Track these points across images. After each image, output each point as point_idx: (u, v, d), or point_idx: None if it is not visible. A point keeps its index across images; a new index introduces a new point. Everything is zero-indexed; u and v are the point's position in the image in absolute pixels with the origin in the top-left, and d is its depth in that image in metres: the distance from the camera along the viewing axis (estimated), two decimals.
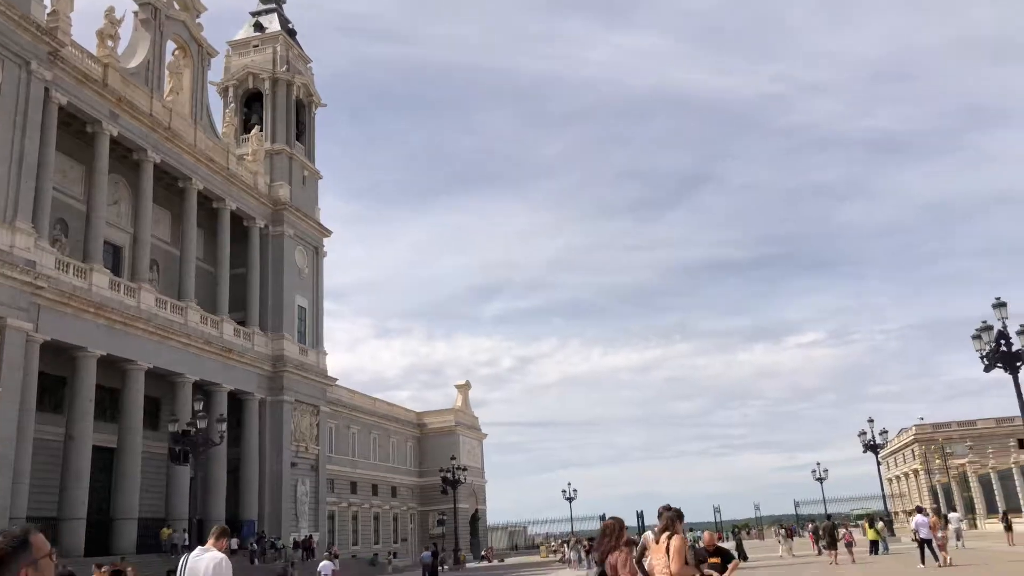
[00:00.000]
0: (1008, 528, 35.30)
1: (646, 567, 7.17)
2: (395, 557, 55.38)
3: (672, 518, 6.92)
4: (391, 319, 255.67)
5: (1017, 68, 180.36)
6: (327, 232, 60.67)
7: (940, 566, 22.91)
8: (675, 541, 6.66)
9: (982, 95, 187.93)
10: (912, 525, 25.98)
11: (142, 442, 39.57)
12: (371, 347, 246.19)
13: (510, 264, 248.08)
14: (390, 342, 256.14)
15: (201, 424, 31.76)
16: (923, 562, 23.30)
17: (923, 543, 23.90)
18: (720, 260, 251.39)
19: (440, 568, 37.04)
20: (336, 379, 59.27)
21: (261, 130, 56.48)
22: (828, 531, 29.69)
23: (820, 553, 31.73)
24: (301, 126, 59.96)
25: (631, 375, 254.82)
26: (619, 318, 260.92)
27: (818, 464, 64.29)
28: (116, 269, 42.56)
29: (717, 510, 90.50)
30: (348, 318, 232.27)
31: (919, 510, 27.65)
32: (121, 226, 44.10)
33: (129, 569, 17.96)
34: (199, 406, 32.99)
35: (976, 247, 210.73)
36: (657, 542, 6.87)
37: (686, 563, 6.66)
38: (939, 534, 23.86)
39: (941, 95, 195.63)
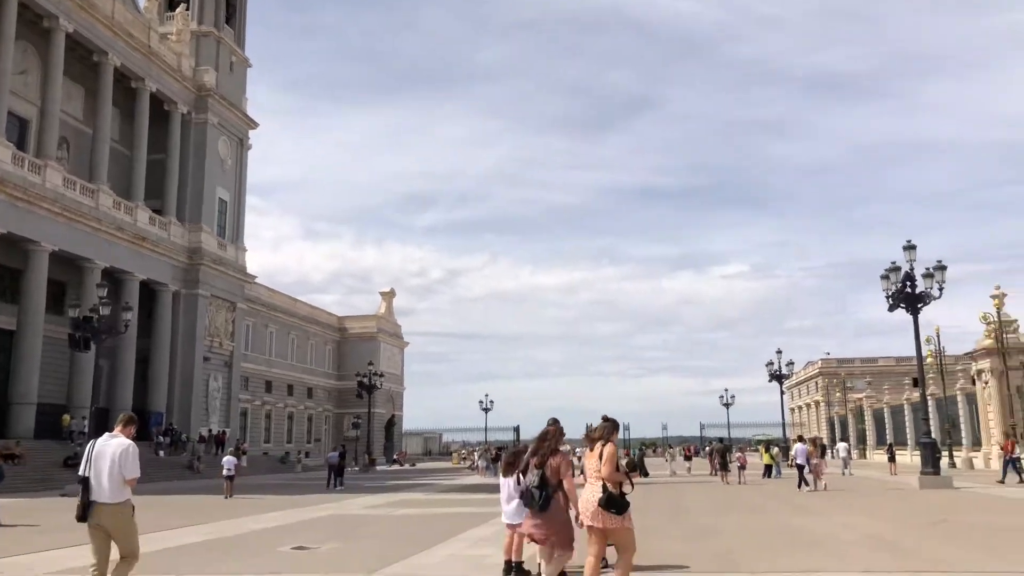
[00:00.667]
0: (892, 459, 37.35)
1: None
2: (307, 456, 55.63)
3: (609, 428, 7.32)
4: (319, 221, 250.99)
5: (965, 19, 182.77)
6: (253, 124, 58.36)
7: (810, 490, 24.39)
8: (608, 448, 7.06)
9: (924, 42, 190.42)
10: (793, 452, 27.47)
11: (45, 327, 38.16)
12: (297, 248, 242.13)
13: (446, 173, 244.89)
14: (317, 244, 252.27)
15: (105, 311, 30.66)
16: (801, 486, 25.02)
17: (799, 468, 25.73)
18: (653, 187, 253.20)
19: (350, 469, 37.30)
20: (255, 276, 58.05)
21: (188, 9, 53.28)
22: (721, 453, 30.94)
23: (714, 473, 33.06)
24: (231, 9, 56.82)
25: (558, 295, 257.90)
26: (550, 238, 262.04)
27: (726, 390, 66.63)
28: (21, 143, 40.20)
29: (627, 428, 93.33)
30: (274, 216, 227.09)
31: (800, 439, 29.67)
32: (28, 98, 41.42)
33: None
34: (103, 292, 31.75)
35: (899, 192, 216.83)
36: (592, 450, 7.21)
37: (616, 469, 7.02)
38: (813, 462, 25.65)
39: (887, 38, 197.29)
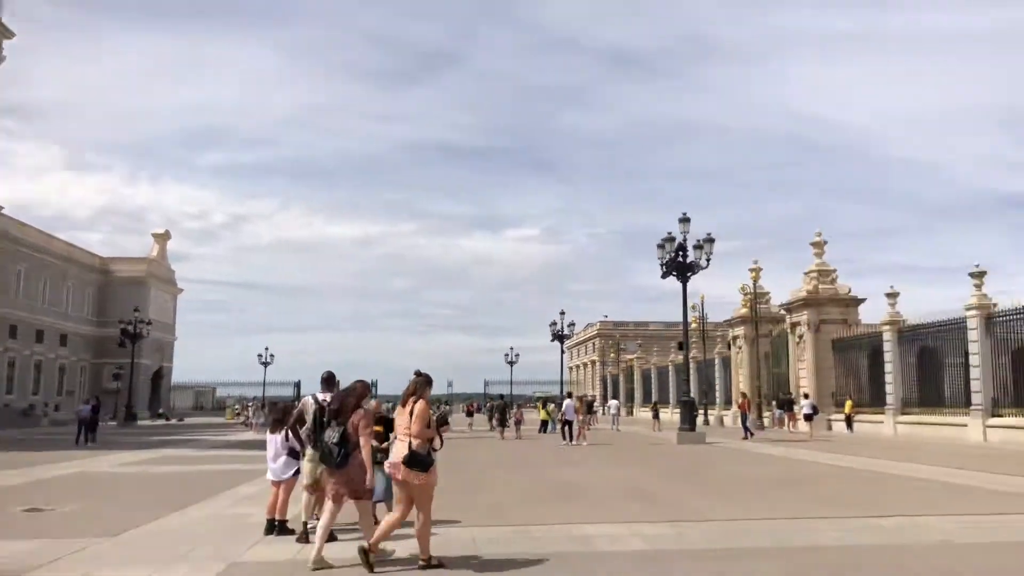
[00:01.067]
0: (655, 416, 40.22)
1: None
2: (56, 410, 50.67)
3: (421, 383, 7.15)
4: (88, 151, 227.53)
5: (755, 11, 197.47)
6: (8, 32, 51.21)
7: (573, 444, 26.19)
8: (419, 405, 6.97)
9: (713, 28, 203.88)
10: (563, 408, 29.07)
11: None
12: (60, 179, 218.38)
13: (236, 111, 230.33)
14: (84, 177, 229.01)
15: None
16: (564, 439, 27.09)
17: (566, 423, 27.59)
18: (453, 144, 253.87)
19: (105, 423, 34.24)
20: (2, 207, 51.50)
21: None
22: (499, 410, 31.88)
23: (493, 429, 33.93)
24: None
25: (351, 247, 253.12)
26: (346, 188, 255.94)
27: (511, 348, 68.67)
28: None
29: None
30: (34, 142, 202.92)
31: (568, 395, 31.79)
32: None
33: None
34: None
35: (677, 167, 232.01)
36: (404, 405, 7.11)
37: (427, 426, 6.95)
38: (580, 417, 27.56)
39: (680, 19, 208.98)
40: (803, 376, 37.76)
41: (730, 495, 12.55)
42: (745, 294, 42.48)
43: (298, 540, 8.27)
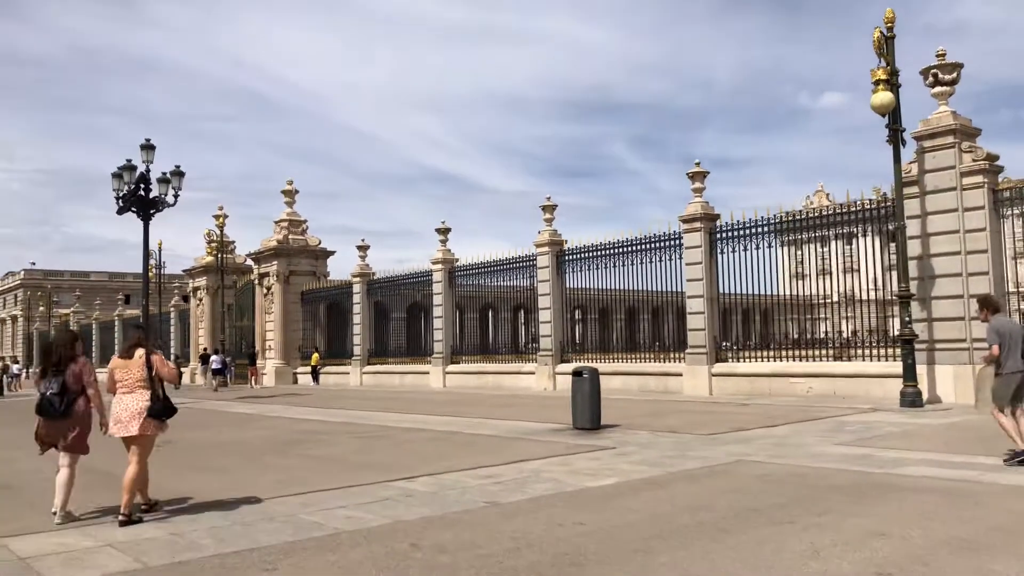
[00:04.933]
0: None
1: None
2: None
3: (142, 336, 7.43)
4: None
5: None
6: None
7: None
8: (157, 356, 7.20)
9: None
10: None
11: None
12: None
13: None
14: None
15: None
16: None
17: None
18: None
19: None
20: None
21: None
22: None
23: None
24: None
25: None
26: None
27: None
28: None
29: None
30: None
31: None
32: None
33: None
34: None
35: (123, 105, 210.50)
36: (124, 357, 7.12)
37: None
38: None
39: None
40: (270, 329, 36.34)
41: (221, 468, 10.21)
42: (210, 241, 39.21)
43: None
